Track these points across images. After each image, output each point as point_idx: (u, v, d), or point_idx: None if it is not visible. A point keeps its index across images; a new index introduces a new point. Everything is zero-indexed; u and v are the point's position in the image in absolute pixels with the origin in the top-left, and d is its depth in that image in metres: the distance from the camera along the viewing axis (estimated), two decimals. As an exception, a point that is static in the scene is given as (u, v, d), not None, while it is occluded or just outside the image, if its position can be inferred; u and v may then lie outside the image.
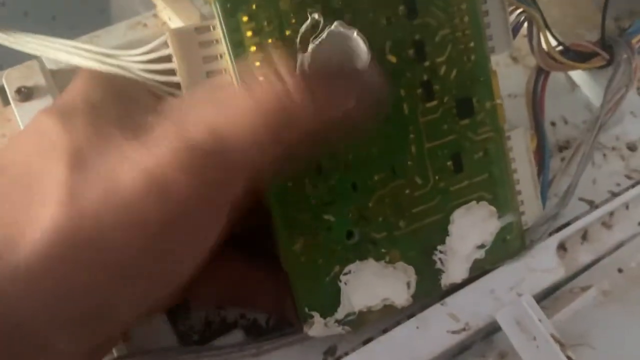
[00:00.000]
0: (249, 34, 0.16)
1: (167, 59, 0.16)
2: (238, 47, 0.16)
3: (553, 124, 0.25)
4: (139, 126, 0.14)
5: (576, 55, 0.22)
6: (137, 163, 0.14)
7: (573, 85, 0.25)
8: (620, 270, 0.21)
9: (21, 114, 0.22)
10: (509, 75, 0.21)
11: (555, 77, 0.22)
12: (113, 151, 0.14)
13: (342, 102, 0.15)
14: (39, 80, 0.22)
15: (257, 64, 0.16)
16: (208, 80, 0.16)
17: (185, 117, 0.14)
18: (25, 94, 0.22)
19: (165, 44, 0.16)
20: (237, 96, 0.15)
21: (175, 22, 0.23)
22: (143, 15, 0.25)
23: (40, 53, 0.18)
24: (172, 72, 0.16)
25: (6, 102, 0.23)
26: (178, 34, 0.16)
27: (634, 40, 0.22)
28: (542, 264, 0.20)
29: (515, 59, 0.26)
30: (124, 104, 0.16)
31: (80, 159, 0.14)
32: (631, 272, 0.21)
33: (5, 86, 0.22)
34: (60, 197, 0.13)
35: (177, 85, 0.16)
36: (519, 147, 0.21)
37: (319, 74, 0.16)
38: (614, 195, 0.22)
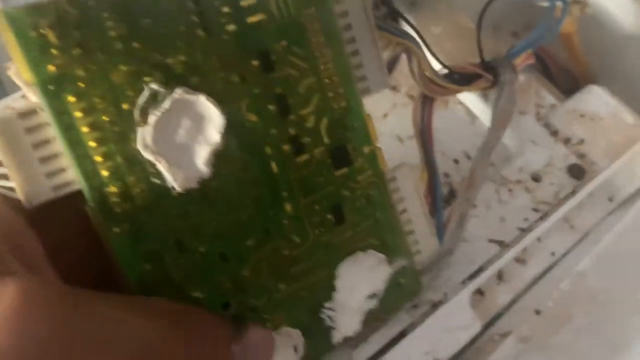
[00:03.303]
0: (79, 114, 0.15)
1: (-8, 149, 0.15)
2: (68, 130, 0.15)
3: (456, 161, 0.24)
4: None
5: (461, 78, 0.21)
6: None
7: (473, 117, 0.25)
8: (537, 312, 0.21)
9: None
10: (407, 114, 0.20)
11: (454, 110, 0.22)
12: None
13: None
14: None
15: (92, 144, 0.15)
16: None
17: None
18: None
19: (-13, 134, 0.15)
20: None
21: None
22: (11, 97, 0.23)
23: None
24: (-1, 162, 0.15)
25: None
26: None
27: (517, 61, 0.21)
28: (456, 321, 0.20)
29: (412, 97, 0.25)
30: None
31: None
32: (548, 312, 0.21)
33: None
34: None
35: (4, 177, 0.15)
36: (406, 186, 0.20)
37: None
38: (524, 231, 0.22)
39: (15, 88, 0.24)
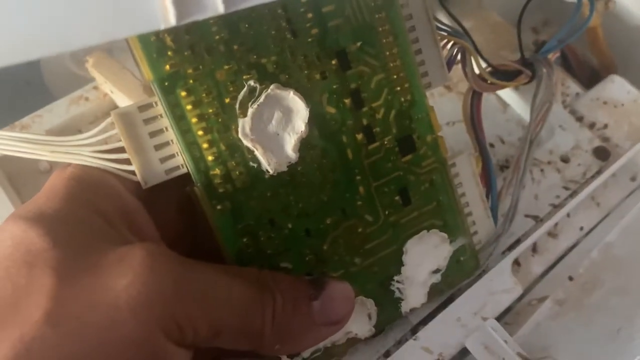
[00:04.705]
0: (189, 107, 0.17)
1: (116, 137, 0.17)
2: (180, 120, 0.17)
3: (492, 145, 0.26)
4: (120, 240, 0.16)
5: (503, 75, 0.23)
6: (119, 290, 0.14)
7: (504, 104, 0.27)
8: (570, 278, 0.23)
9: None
10: (444, 103, 0.22)
11: (487, 99, 0.24)
12: (98, 270, 0.15)
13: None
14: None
15: (200, 133, 0.17)
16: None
17: None
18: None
19: (112, 124, 0.17)
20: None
21: (118, 95, 0.24)
22: (84, 88, 0.25)
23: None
24: (122, 149, 0.17)
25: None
26: (122, 115, 0.17)
27: (550, 56, 0.23)
28: (500, 286, 0.22)
29: (448, 88, 0.27)
30: (104, 209, 0.16)
31: (67, 273, 0.14)
32: (580, 278, 0.22)
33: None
34: (47, 308, 0.14)
35: (128, 161, 0.17)
36: (465, 171, 0.22)
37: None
38: (555, 207, 0.24)
39: (60, 93, 0.25)
